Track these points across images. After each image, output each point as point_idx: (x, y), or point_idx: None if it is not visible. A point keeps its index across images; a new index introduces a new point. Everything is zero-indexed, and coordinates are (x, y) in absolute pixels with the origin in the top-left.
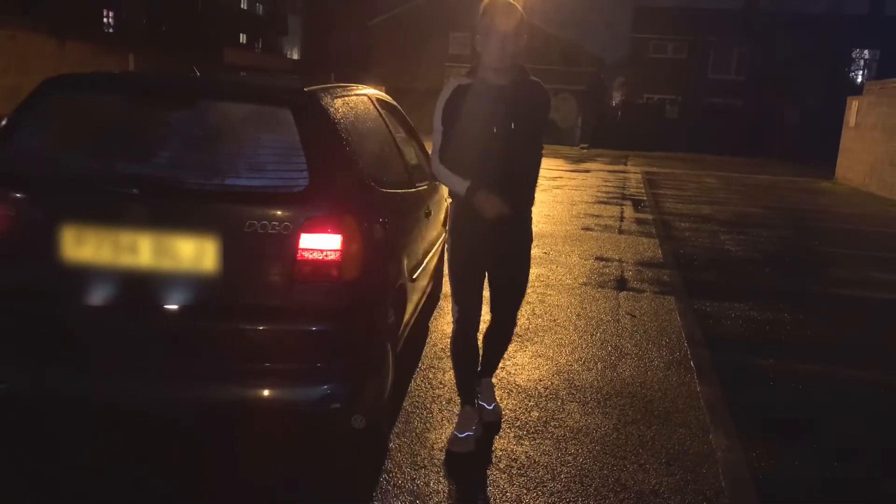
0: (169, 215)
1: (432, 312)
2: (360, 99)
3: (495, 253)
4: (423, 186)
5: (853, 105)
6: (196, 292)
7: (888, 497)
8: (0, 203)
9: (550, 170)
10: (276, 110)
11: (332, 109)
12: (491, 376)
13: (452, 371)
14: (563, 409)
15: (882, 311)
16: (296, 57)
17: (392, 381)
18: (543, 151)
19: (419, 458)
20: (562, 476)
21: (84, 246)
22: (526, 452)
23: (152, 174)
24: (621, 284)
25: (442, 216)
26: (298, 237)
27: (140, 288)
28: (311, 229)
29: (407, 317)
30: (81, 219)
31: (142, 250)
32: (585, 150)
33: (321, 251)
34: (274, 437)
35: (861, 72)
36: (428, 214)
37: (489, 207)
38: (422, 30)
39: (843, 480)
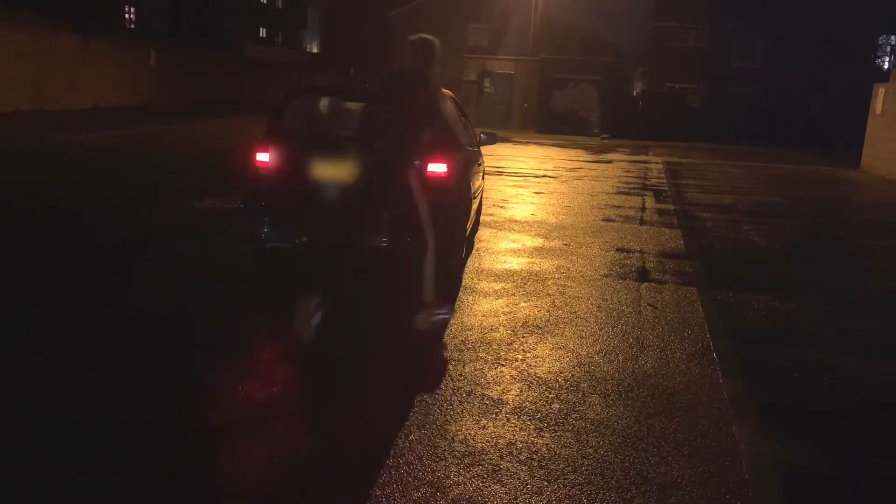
0: (363, 155)
1: (476, 233)
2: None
3: None
4: (476, 149)
5: (880, 92)
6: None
7: None
8: (285, 149)
9: (571, 160)
10: None
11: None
12: None
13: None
14: (584, 401)
15: None
16: (315, 50)
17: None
18: (562, 141)
19: (439, 450)
20: (583, 468)
21: (321, 168)
22: (547, 444)
23: (353, 135)
24: (643, 276)
25: (482, 172)
26: (427, 164)
27: (346, 188)
28: (433, 161)
29: (471, 215)
30: (321, 156)
31: (346, 171)
32: (606, 141)
33: (438, 172)
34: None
35: (887, 58)
36: (479, 165)
37: None
38: (440, 21)
39: (868, 475)
